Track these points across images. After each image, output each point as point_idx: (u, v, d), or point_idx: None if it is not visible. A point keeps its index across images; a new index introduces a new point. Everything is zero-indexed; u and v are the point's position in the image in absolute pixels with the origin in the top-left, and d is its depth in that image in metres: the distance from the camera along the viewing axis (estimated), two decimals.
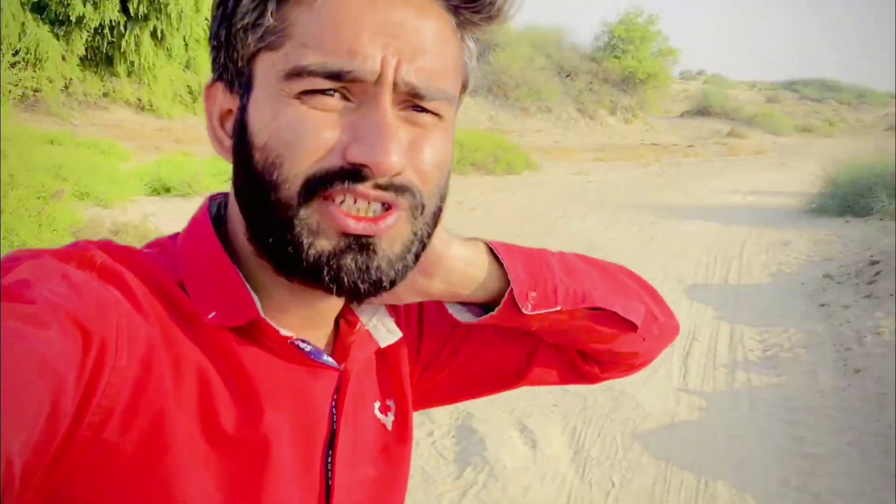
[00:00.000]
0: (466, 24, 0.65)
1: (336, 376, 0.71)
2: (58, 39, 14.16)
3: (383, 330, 0.76)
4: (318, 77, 0.58)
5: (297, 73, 0.58)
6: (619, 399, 4.07)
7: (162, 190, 8.54)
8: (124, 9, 15.59)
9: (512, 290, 0.76)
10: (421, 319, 0.86)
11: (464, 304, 0.80)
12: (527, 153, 15.83)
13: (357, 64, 0.58)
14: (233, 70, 0.64)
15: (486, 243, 0.78)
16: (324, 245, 0.61)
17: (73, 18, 14.32)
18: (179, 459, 0.58)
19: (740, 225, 9.78)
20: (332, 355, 0.72)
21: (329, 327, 0.74)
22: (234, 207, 0.67)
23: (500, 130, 21.42)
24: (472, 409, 3.78)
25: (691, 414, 3.99)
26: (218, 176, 8.93)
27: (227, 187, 0.70)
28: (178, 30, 19.07)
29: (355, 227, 0.61)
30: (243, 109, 0.63)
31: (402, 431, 0.80)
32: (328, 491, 0.70)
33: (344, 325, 0.75)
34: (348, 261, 0.61)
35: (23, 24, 13.46)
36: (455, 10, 0.64)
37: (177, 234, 0.71)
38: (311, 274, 0.62)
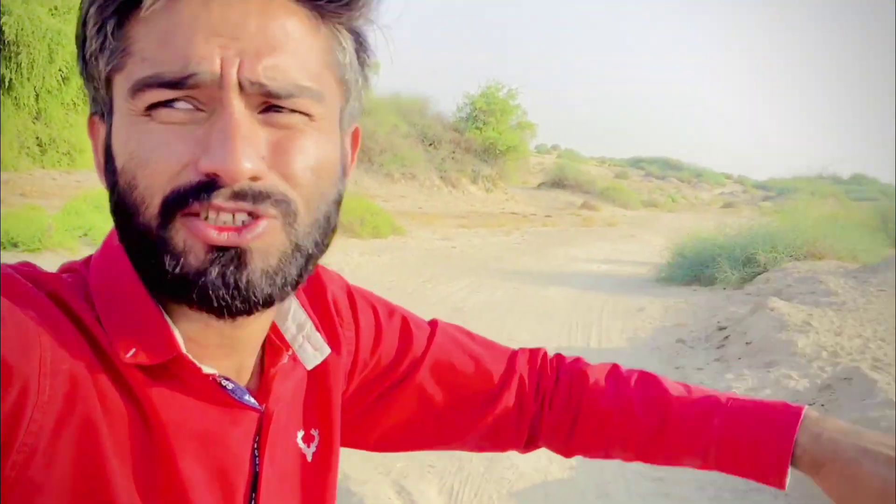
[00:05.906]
0: (327, 17, 0.62)
1: (257, 417, 0.67)
2: None
3: (309, 348, 0.73)
4: (159, 88, 0.56)
5: (138, 89, 0.56)
6: (493, 459, 4.10)
7: (9, 245, 8.01)
8: None
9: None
10: (374, 324, 0.85)
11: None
12: (392, 218, 15.95)
13: (192, 68, 0.55)
14: (97, 98, 0.62)
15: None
16: (191, 262, 0.57)
17: None
18: (110, 497, 0.57)
19: (597, 292, 10.18)
20: (256, 389, 0.69)
21: (252, 354, 0.69)
22: None
23: (365, 195, 21.41)
24: (349, 471, 3.70)
25: (563, 473, 4.06)
26: (72, 231, 8.47)
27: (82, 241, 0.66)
28: (28, 80, 18.16)
29: (218, 238, 0.57)
30: (108, 135, 0.60)
31: (325, 461, 0.76)
32: None
33: (269, 351, 0.71)
34: (214, 275, 0.57)
35: None
36: (307, 3, 0.61)
37: (90, 258, 0.66)
38: (180, 293, 0.58)
